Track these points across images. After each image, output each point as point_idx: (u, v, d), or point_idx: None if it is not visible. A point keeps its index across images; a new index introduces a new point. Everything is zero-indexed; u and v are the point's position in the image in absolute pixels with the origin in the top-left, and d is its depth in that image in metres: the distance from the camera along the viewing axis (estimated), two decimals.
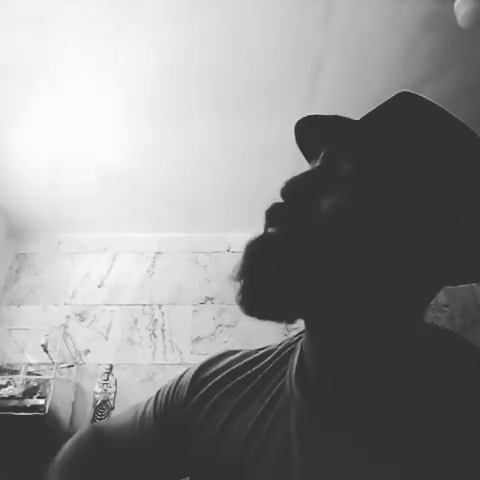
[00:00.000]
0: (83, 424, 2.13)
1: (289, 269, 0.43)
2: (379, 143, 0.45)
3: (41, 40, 1.72)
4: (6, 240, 2.60)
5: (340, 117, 0.48)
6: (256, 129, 2.07)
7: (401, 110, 0.45)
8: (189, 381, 0.59)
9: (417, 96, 0.44)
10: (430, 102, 0.44)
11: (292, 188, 0.47)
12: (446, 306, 2.40)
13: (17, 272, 2.56)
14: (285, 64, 1.83)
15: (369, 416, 0.42)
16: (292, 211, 0.46)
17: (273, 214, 0.47)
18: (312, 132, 0.51)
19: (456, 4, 1.52)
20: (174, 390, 0.60)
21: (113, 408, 2.17)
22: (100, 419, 2.13)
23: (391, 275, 0.45)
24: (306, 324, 0.50)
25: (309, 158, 0.54)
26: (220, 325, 2.39)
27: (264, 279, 0.44)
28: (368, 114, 0.46)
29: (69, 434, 2.16)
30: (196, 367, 0.61)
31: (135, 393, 2.19)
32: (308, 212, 0.45)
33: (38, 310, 2.42)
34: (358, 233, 0.44)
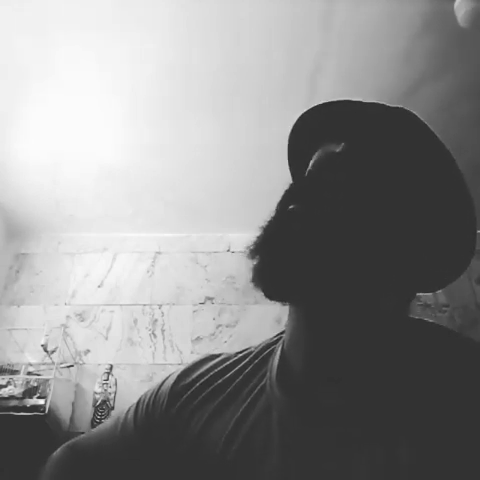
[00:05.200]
0: (83, 424, 2.13)
1: (314, 245, 0.43)
2: (389, 147, 0.50)
3: (41, 40, 1.72)
4: (6, 240, 2.60)
5: (357, 107, 0.51)
6: (256, 129, 2.07)
7: (403, 123, 0.50)
8: (169, 389, 0.59)
9: (414, 115, 0.50)
10: (423, 124, 0.50)
11: (322, 169, 0.49)
12: (446, 306, 2.40)
13: (17, 272, 2.56)
14: (284, 64, 1.83)
15: (352, 411, 0.43)
16: (318, 189, 0.47)
17: (297, 191, 0.48)
18: (327, 118, 0.53)
19: (456, 4, 1.52)
20: (155, 398, 0.60)
21: (113, 408, 2.17)
22: (100, 419, 2.13)
23: (390, 264, 0.47)
24: (301, 316, 0.50)
25: (315, 144, 0.55)
26: (220, 325, 2.39)
27: (290, 254, 0.43)
28: (377, 112, 0.51)
29: (69, 434, 2.17)
30: (176, 374, 0.61)
31: (135, 393, 2.18)
32: (332, 192, 0.46)
33: (38, 310, 2.42)
34: (372, 216, 0.46)
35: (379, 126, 0.50)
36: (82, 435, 0.66)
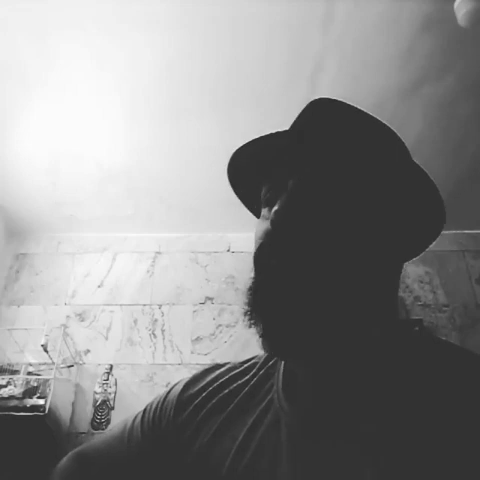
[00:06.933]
0: (83, 424, 2.13)
1: (308, 300, 0.44)
2: (334, 162, 0.48)
3: (41, 40, 1.72)
4: (6, 240, 2.60)
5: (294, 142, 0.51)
6: (255, 129, 2.06)
7: (333, 121, 0.50)
8: (176, 398, 0.59)
9: (334, 102, 0.50)
10: (347, 105, 0.50)
11: (284, 216, 0.47)
12: (446, 306, 2.40)
13: (17, 272, 2.56)
14: (284, 64, 1.83)
15: (355, 422, 0.43)
16: (291, 239, 0.46)
17: (271, 245, 0.47)
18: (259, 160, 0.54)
19: (456, 4, 1.52)
20: (162, 407, 0.60)
21: (113, 408, 2.17)
22: (100, 419, 2.13)
23: (374, 276, 0.47)
24: None
25: (260, 180, 0.55)
26: (220, 325, 2.39)
27: (289, 319, 0.44)
28: (299, 131, 0.52)
29: (69, 434, 2.17)
30: (183, 383, 0.61)
31: (135, 393, 2.19)
32: (305, 236, 0.46)
33: (38, 310, 2.42)
34: (351, 244, 0.46)
35: (314, 146, 0.50)
36: (88, 443, 0.66)
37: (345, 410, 0.44)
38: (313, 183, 0.48)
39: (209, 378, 0.59)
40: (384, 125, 0.52)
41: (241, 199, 0.61)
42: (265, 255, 0.47)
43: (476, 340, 2.25)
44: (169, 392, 0.62)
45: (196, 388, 0.59)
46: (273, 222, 0.47)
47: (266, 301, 0.45)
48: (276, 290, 0.45)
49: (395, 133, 0.52)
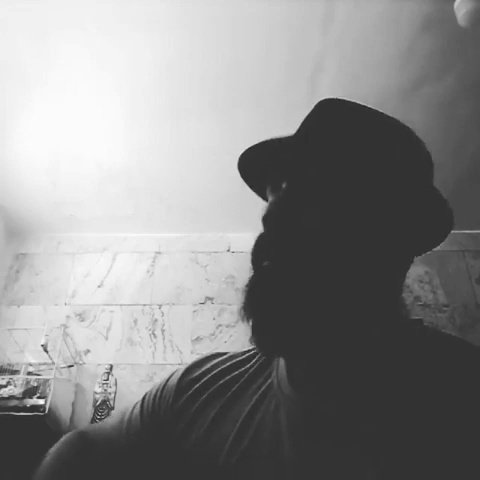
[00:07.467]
0: (83, 424, 2.13)
1: (298, 300, 0.44)
2: (332, 159, 0.48)
3: (41, 40, 1.72)
4: (6, 240, 2.60)
5: (289, 143, 0.51)
6: (255, 129, 2.07)
7: (336, 120, 0.50)
8: (175, 383, 0.59)
9: (342, 101, 0.50)
10: (355, 104, 0.50)
11: (273, 219, 0.48)
12: (446, 306, 2.40)
13: (17, 272, 2.56)
14: (284, 64, 1.83)
15: (356, 422, 0.43)
16: (281, 241, 0.47)
17: (264, 248, 0.48)
18: (261, 159, 0.54)
19: (456, 4, 1.52)
20: (161, 393, 0.60)
21: (113, 408, 2.17)
22: (100, 419, 2.13)
23: (373, 277, 0.47)
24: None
25: (265, 182, 0.55)
26: (220, 325, 2.39)
27: (276, 317, 0.44)
28: (304, 130, 0.51)
29: None
30: (182, 369, 0.61)
31: (135, 393, 2.19)
32: (294, 237, 0.46)
33: (38, 310, 2.42)
34: (344, 244, 0.46)
35: (314, 146, 0.50)
36: (91, 426, 0.66)
37: (345, 410, 0.44)
38: (304, 184, 0.48)
39: (210, 364, 0.59)
40: (399, 124, 0.51)
41: (258, 194, 0.62)
42: (259, 256, 0.48)
43: (476, 340, 2.25)
44: (169, 379, 0.62)
45: (195, 374, 0.59)
46: (264, 224, 0.48)
47: (257, 300, 0.46)
48: (267, 291, 0.46)
49: (412, 133, 0.51)
